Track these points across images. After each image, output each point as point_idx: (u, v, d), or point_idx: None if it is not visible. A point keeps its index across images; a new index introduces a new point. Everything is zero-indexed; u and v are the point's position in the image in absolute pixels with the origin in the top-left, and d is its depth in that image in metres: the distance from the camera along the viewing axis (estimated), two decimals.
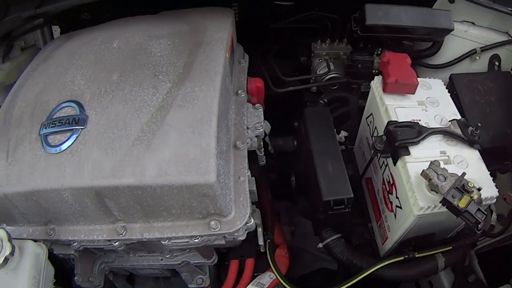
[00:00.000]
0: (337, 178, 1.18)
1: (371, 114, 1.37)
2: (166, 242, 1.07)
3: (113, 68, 1.18)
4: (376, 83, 1.33)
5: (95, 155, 1.01)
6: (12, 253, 0.96)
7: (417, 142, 1.12)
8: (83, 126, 1.07)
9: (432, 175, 1.01)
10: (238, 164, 1.13)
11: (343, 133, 1.59)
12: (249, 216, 1.04)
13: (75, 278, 1.30)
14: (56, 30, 1.83)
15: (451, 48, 1.58)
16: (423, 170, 1.02)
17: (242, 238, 1.06)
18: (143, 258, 1.31)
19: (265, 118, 1.35)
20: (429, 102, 1.28)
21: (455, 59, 1.57)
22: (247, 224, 1.04)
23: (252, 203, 1.18)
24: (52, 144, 1.08)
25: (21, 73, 1.41)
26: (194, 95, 1.06)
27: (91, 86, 1.15)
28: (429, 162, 1.04)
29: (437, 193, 1.02)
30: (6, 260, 0.95)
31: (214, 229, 1.02)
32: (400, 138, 1.12)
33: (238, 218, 1.03)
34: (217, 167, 0.96)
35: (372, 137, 1.35)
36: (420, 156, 1.12)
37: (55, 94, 1.18)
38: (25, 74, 1.39)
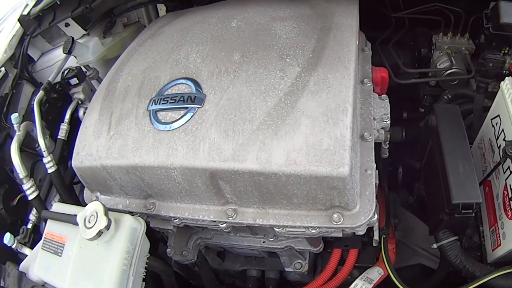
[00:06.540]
0: (467, 181, 1.09)
1: (498, 115, 1.25)
2: (280, 229, 1.02)
3: (233, 48, 1.13)
4: (507, 85, 1.22)
5: (213, 136, 0.97)
6: (107, 227, 0.95)
7: None
8: (200, 105, 1.02)
9: None
10: (365, 156, 1.05)
11: None
12: (374, 212, 0.98)
13: (167, 250, 1.30)
14: (162, 8, 1.83)
15: None
16: None
17: (362, 232, 1.00)
18: (244, 239, 1.28)
19: None
20: None
21: None
22: (371, 220, 0.98)
23: None
24: (163, 121, 1.03)
25: (124, 48, 1.41)
26: (328, 82, 0.98)
27: (209, 65, 1.10)
28: None
29: None
30: (100, 233, 0.95)
31: (336, 222, 0.96)
32: None
33: (363, 213, 0.97)
34: (350, 160, 0.89)
35: (496, 140, 1.25)
36: None
37: (166, 70, 1.14)
38: (130, 49, 1.37)
